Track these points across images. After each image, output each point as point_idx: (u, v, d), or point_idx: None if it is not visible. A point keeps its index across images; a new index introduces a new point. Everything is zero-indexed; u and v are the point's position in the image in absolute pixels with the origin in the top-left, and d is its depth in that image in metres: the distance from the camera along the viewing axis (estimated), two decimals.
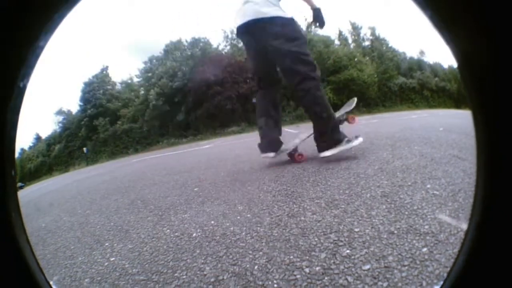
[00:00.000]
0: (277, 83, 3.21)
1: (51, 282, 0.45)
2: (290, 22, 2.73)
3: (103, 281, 1.33)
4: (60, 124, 31.43)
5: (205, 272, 1.21)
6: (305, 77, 2.71)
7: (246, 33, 2.84)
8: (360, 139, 2.81)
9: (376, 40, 29.54)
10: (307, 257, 1.17)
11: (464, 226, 1.19)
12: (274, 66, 3.02)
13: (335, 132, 2.81)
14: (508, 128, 0.30)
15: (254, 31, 2.75)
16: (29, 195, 7.30)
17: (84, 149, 27.45)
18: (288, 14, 2.74)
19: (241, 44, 25.73)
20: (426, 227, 1.23)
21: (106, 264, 1.51)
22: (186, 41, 28.95)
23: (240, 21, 2.79)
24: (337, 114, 3.03)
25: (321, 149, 2.86)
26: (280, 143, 3.16)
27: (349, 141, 2.78)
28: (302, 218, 1.56)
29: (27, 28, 0.35)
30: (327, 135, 2.80)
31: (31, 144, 35.62)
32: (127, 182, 4.34)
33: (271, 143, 3.14)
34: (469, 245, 0.35)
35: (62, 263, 1.66)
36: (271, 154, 3.14)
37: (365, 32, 30.65)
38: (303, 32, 2.90)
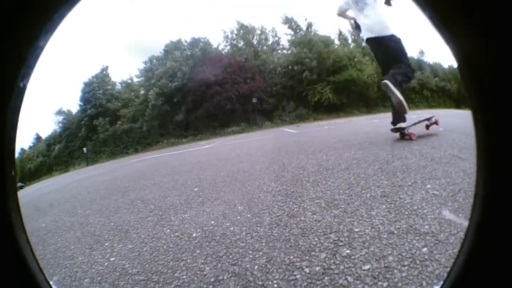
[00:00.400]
0: None
1: (51, 282, 0.45)
2: None
3: (103, 281, 1.33)
4: (60, 124, 31.43)
5: (205, 272, 1.21)
6: None
7: None
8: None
9: None
10: (307, 257, 1.17)
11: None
12: None
13: None
14: (508, 128, 0.30)
15: None
16: (29, 195, 7.30)
17: (84, 149, 27.44)
18: None
19: (241, 44, 25.67)
20: (426, 227, 1.23)
21: (106, 264, 1.51)
22: (186, 41, 28.95)
23: None
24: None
25: None
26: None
27: None
28: (302, 218, 1.56)
29: (27, 28, 0.35)
30: None
31: (31, 144, 35.62)
32: (127, 182, 4.34)
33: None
34: (469, 245, 0.35)
35: (62, 263, 1.66)
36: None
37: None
38: None
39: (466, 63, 0.32)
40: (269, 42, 28.60)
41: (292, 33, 26.94)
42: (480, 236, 0.34)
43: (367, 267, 1.03)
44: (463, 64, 0.32)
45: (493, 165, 0.32)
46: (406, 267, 0.98)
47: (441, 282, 0.41)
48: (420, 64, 28.60)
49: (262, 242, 1.37)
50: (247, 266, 1.19)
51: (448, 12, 0.31)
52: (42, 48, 0.38)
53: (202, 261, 1.30)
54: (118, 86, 31.51)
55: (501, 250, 0.32)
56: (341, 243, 1.23)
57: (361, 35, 3.83)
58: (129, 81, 31.33)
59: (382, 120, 9.41)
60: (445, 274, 0.88)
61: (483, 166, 0.33)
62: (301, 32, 26.69)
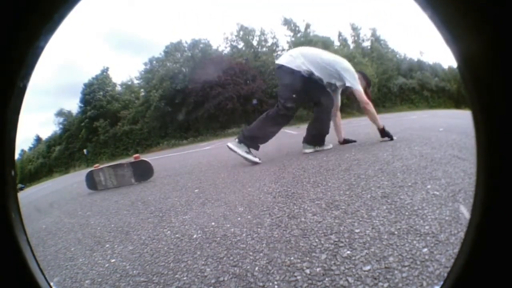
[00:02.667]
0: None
1: (51, 284, 0.45)
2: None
3: (103, 282, 1.33)
4: (61, 126, 31.43)
5: (205, 274, 1.20)
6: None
7: None
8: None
9: (376, 40, 29.56)
10: (308, 258, 1.16)
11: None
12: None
13: None
14: (508, 128, 0.30)
15: None
16: (29, 196, 7.29)
17: (84, 150, 27.42)
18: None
19: (241, 46, 25.65)
20: (427, 227, 1.23)
21: (106, 265, 1.51)
22: (186, 42, 28.98)
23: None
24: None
25: None
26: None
27: None
28: (303, 219, 1.56)
29: (27, 28, 0.35)
30: None
31: (31, 145, 35.62)
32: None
33: None
34: (469, 245, 0.35)
35: (63, 264, 1.66)
36: None
37: (365, 33, 30.72)
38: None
39: (466, 63, 0.32)
40: (269, 44, 28.65)
41: (292, 34, 26.99)
42: (480, 236, 0.34)
43: (368, 267, 1.03)
44: (463, 64, 0.32)
45: (493, 165, 0.32)
46: (407, 268, 0.98)
47: (442, 282, 0.41)
48: (420, 65, 28.61)
49: (263, 243, 1.37)
50: (248, 267, 1.19)
51: (449, 12, 0.31)
52: (42, 48, 0.38)
53: (203, 262, 1.30)
54: (119, 88, 31.53)
55: (502, 250, 0.32)
56: (341, 244, 1.23)
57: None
58: (129, 83, 31.36)
59: (382, 120, 9.40)
60: (446, 274, 0.88)
61: (483, 166, 0.33)
62: (300, 33, 26.73)
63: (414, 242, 1.14)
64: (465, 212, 1.30)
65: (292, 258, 1.19)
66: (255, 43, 28.22)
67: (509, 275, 0.32)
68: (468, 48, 0.31)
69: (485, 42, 0.29)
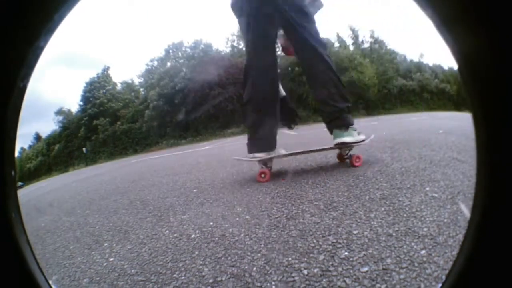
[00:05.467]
0: None
1: (50, 282, 0.45)
2: None
3: (102, 281, 1.33)
4: (60, 124, 31.41)
5: (203, 273, 1.20)
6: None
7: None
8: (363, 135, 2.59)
9: (376, 41, 29.59)
10: (306, 259, 1.17)
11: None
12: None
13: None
14: (509, 129, 0.30)
15: None
16: (28, 195, 7.29)
17: (84, 149, 27.42)
18: None
19: (241, 46, 25.56)
20: (425, 229, 1.23)
21: (105, 264, 1.51)
22: (187, 42, 29.00)
23: None
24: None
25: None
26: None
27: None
28: (301, 220, 1.56)
29: (27, 28, 0.35)
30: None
31: (31, 143, 35.61)
32: (126, 183, 4.34)
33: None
34: (468, 248, 0.35)
35: (61, 263, 1.66)
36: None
37: (364, 34, 30.75)
38: None
39: (466, 64, 0.32)
40: None
41: None
42: (479, 239, 0.34)
43: (365, 269, 1.03)
44: (464, 65, 0.32)
45: (494, 168, 0.32)
46: (405, 269, 0.98)
47: (440, 285, 0.41)
48: (420, 66, 28.63)
49: (261, 244, 1.37)
50: (246, 267, 1.19)
51: (449, 12, 0.31)
52: (42, 48, 0.38)
53: (201, 262, 1.30)
54: (119, 86, 31.53)
55: (501, 253, 0.32)
56: (339, 245, 1.23)
57: None
58: (130, 82, 31.36)
59: (382, 122, 9.42)
60: (443, 276, 0.88)
61: (483, 168, 0.33)
62: None
63: (412, 244, 1.14)
64: (466, 212, 1.30)
65: (290, 258, 1.19)
66: None
67: (509, 277, 0.32)
68: (468, 48, 0.31)
69: (485, 42, 0.29)
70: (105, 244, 1.80)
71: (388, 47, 29.98)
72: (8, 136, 0.37)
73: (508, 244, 0.31)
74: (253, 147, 2.65)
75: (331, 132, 2.63)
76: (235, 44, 28.33)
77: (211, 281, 1.14)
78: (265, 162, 2.62)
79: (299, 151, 2.78)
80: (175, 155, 9.64)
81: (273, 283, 1.05)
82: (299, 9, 2.48)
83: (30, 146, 35.45)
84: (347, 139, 2.49)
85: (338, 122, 2.55)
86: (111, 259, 1.55)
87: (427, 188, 1.72)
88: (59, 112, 31.92)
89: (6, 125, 0.36)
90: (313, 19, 2.56)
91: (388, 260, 1.05)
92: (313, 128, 10.28)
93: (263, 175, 2.52)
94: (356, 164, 2.48)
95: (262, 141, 2.63)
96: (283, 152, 2.68)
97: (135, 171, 6.27)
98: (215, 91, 22.92)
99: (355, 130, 2.55)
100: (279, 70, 2.88)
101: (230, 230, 1.60)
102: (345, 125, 2.54)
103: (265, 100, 2.63)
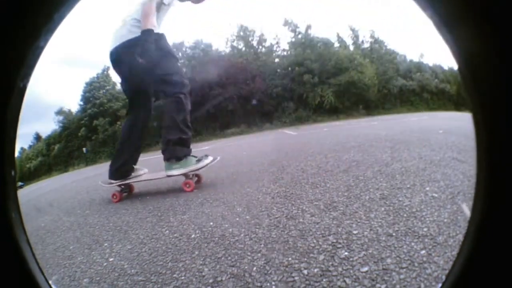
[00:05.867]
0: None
1: (50, 282, 0.45)
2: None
3: (102, 281, 1.33)
4: (60, 124, 31.37)
5: (203, 273, 1.20)
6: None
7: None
8: (210, 158, 2.78)
9: (376, 41, 29.57)
10: (306, 259, 1.17)
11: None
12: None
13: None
14: (509, 129, 0.30)
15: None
16: (28, 195, 7.28)
17: (84, 149, 27.37)
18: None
19: (241, 46, 25.56)
20: (425, 229, 1.24)
21: (105, 264, 1.51)
22: (188, 42, 28.98)
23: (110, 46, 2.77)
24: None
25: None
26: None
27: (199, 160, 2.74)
28: (301, 220, 1.56)
29: (27, 28, 0.35)
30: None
31: (31, 143, 35.55)
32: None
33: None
34: (468, 248, 0.35)
35: (61, 263, 1.66)
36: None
37: (364, 34, 30.73)
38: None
39: (466, 64, 0.32)
40: (269, 44, 28.65)
41: (292, 34, 26.97)
42: (479, 239, 0.34)
43: (365, 269, 1.03)
44: (464, 65, 0.32)
45: (494, 167, 0.32)
46: (405, 269, 0.98)
47: (440, 284, 0.41)
48: (420, 66, 28.62)
49: (261, 244, 1.37)
50: (246, 267, 1.19)
51: (449, 12, 0.31)
52: (42, 48, 0.38)
53: (201, 262, 1.30)
54: (119, 86, 31.51)
55: (501, 253, 0.32)
56: (339, 245, 1.23)
57: None
58: None
59: (382, 122, 9.42)
60: (443, 276, 0.89)
61: (483, 168, 0.33)
62: (300, 34, 26.72)
63: (412, 244, 1.14)
64: (467, 211, 1.30)
65: (290, 258, 1.19)
66: (255, 43, 28.20)
67: (509, 277, 0.32)
68: (468, 48, 0.31)
69: (485, 42, 0.29)
70: (105, 244, 1.80)
71: (388, 47, 29.95)
72: (8, 136, 0.37)
73: (508, 244, 0.31)
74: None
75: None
76: (235, 44, 28.31)
77: (211, 281, 1.14)
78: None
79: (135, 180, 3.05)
80: None
81: (273, 283, 1.06)
82: (163, 79, 2.79)
83: (30, 146, 35.38)
84: (173, 172, 2.73)
85: (166, 154, 2.77)
86: (111, 259, 1.55)
87: (427, 188, 1.72)
88: (59, 112, 31.87)
89: (6, 125, 0.36)
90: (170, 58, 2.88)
91: (388, 260, 1.05)
92: (313, 128, 10.30)
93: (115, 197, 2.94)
94: (187, 189, 2.67)
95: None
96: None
97: None
98: (215, 91, 22.90)
99: (193, 158, 2.74)
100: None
101: (230, 230, 1.60)
102: (173, 158, 2.72)
103: (128, 162, 3.01)
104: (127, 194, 3.07)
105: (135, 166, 3.06)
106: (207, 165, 2.72)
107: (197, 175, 2.89)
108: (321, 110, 22.00)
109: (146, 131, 3.16)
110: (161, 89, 2.81)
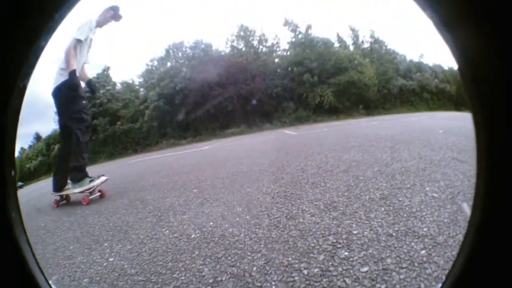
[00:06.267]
0: None
1: (50, 282, 0.45)
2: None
3: (102, 281, 1.33)
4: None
5: (203, 273, 1.20)
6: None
7: None
8: (103, 178, 3.50)
9: (376, 41, 29.56)
10: (306, 259, 1.17)
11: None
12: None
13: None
14: (509, 130, 0.30)
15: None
16: (29, 194, 7.28)
17: None
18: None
19: (241, 46, 25.59)
20: (425, 229, 1.24)
21: (105, 264, 1.51)
22: (188, 42, 28.95)
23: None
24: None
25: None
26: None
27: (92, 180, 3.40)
28: (301, 220, 1.56)
29: (27, 28, 0.35)
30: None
31: (31, 143, 35.52)
32: (126, 183, 4.34)
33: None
34: (468, 247, 0.35)
35: (61, 262, 1.66)
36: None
37: (364, 34, 30.71)
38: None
39: (466, 64, 0.32)
40: (269, 44, 28.64)
41: (292, 34, 26.96)
42: (479, 238, 0.34)
43: (365, 269, 1.03)
44: (464, 66, 0.32)
45: (494, 167, 0.32)
46: (405, 269, 0.98)
47: (440, 284, 0.41)
48: (420, 66, 28.61)
49: (261, 244, 1.37)
50: (246, 267, 1.19)
51: (449, 13, 0.31)
52: (42, 48, 0.38)
53: (201, 262, 1.30)
54: (119, 86, 31.48)
55: (501, 253, 0.32)
56: (339, 245, 1.23)
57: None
58: (130, 82, 31.32)
59: (382, 122, 9.42)
60: (443, 276, 0.89)
61: (483, 167, 0.33)
62: (301, 34, 26.72)
63: (412, 244, 1.14)
64: (468, 211, 1.30)
65: (290, 258, 1.19)
66: (255, 43, 28.19)
67: (508, 277, 0.32)
68: (468, 48, 0.31)
69: (485, 42, 0.29)
70: (105, 244, 1.80)
71: (388, 47, 29.93)
72: (8, 136, 0.37)
73: (508, 244, 0.31)
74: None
75: None
76: (235, 44, 28.29)
77: (211, 281, 1.14)
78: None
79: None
80: (175, 155, 9.63)
81: (273, 283, 1.06)
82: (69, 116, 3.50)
83: (30, 146, 35.35)
84: (75, 190, 3.37)
85: (70, 176, 3.50)
86: (111, 259, 1.55)
87: (427, 188, 1.72)
88: None
89: (6, 125, 0.36)
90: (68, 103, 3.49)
91: (388, 260, 1.05)
92: (313, 128, 10.29)
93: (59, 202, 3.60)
94: (83, 203, 3.22)
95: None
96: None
97: (135, 171, 6.26)
98: (215, 91, 22.90)
99: (87, 179, 3.43)
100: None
101: (230, 230, 1.60)
102: (74, 179, 3.44)
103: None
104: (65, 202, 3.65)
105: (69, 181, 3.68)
106: (99, 185, 3.46)
107: (100, 191, 3.49)
108: (321, 110, 21.99)
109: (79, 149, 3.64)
110: (69, 124, 3.49)
